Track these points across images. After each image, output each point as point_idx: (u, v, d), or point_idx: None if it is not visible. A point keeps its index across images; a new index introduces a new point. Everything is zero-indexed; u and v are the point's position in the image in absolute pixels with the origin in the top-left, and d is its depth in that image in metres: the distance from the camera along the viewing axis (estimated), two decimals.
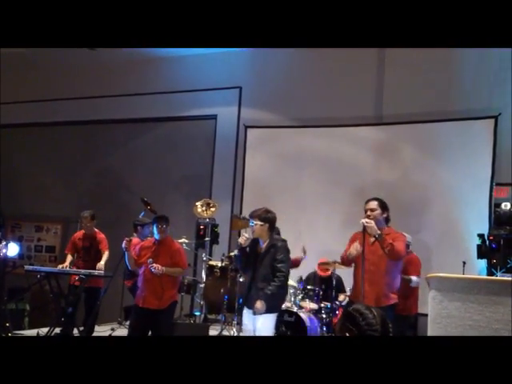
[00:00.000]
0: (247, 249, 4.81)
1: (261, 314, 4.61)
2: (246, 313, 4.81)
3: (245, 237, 4.78)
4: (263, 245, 4.78)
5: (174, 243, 5.80)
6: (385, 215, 4.84)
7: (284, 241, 4.82)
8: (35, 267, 7.35)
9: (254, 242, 4.84)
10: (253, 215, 4.81)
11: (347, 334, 2.26)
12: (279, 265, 4.65)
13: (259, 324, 4.64)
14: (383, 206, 4.85)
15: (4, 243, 6.62)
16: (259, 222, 4.73)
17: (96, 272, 6.58)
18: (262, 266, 4.69)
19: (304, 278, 7.17)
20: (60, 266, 6.95)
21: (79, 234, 7.08)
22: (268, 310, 4.62)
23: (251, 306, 4.68)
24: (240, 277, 6.52)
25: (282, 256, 4.68)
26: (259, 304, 4.58)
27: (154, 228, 5.64)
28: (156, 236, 5.65)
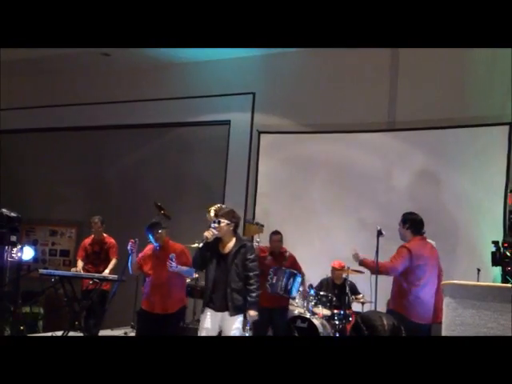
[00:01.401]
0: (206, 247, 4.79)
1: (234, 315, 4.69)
2: (211, 314, 4.76)
3: (212, 232, 4.72)
4: (227, 245, 4.78)
5: (176, 245, 5.77)
6: (405, 228, 5.23)
7: (251, 241, 4.94)
8: (49, 271, 7.40)
9: (216, 241, 4.80)
10: (219, 214, 4.84)
11: None
12: (251, 264, 4.70)
13: (234, 326, 4.65)
14: (404, 220, 5.26)
15: (19, 247, 6.69)
16: (226, 221, 4.75)
17: (110, 276, 6.64)
18: (233, 266, 4.68)
19: (317, 283, 7.17)
20: (73, 270, 7.01)
21: (89, 239, 7.14)
22: (239, 312, 4.70)
23: (217, 307, 4.71)
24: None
25: (253, 256, 4.75)
26: (253, 313, 4.67)
27: (150, 237, 5.61)
28: (155, 244, 5.65)
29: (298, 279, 6.54)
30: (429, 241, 5.36)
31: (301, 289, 6.81)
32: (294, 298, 6.58)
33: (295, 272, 6.52)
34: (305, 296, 6.82)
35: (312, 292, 6.77)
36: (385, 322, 2.07)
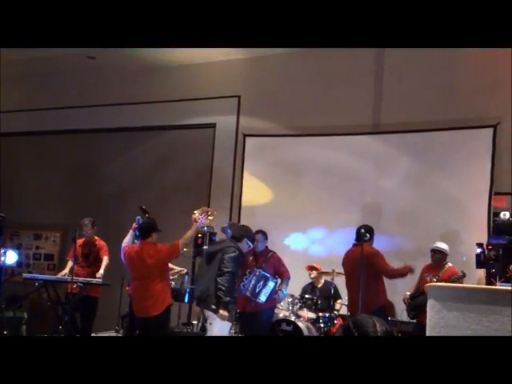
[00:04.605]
0: None
1: None
2: None
3: None
4: None
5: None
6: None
7: None
8: (33, 275, 7.34)
9: None
10: None
11: None
12: None
13: None
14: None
15: (2, 251, 6.61)
16: None
17: (94, 280, 6.57)
18: None
19: (301, 291, 7.16)
20: (60, 274, 6.94)
21: (80, 240, 7.08)
22: None
23: None
24: None
25: None
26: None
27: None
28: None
29: (271, 284, 6.09)
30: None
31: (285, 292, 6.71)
32: (261, 303, 6.05)
33: (267, 276, 6.12)
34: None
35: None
36: (378, 329, 2.01)
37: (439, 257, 6.26)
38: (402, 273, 6.07)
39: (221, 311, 5.03)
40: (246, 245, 5.50)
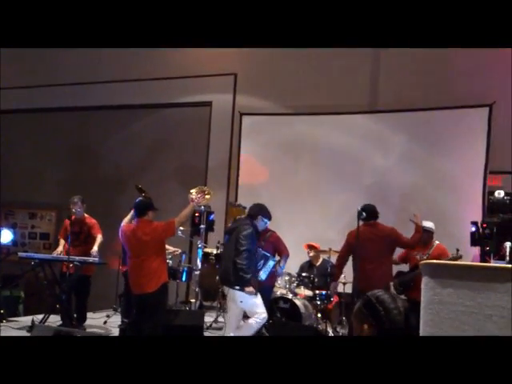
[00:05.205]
0: None
1: None
2: None
3: None
4: None
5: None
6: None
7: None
8: (29, 254, 7.31)
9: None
10: None
11: (365, 326, 2.07)
12: None
13: None
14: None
15: None
16: None
17: (91, 259, 6.53)
18: None
19: (298, 269, 7.19)
20: (55, 253, 6.90)
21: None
22: None
23: None
24: None
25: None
26: None
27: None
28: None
29: (271, 263, 6.11)
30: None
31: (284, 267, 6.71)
32: (262, 281, 5.99)
33: (268, 255, 6.16)
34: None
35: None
36: (399, 304, 2.02)
37: (426, 235, 6.25)
38: (419, 237, 5.99)
39: (246, 289, 5.30)
40: (261, 222, 5.67)
